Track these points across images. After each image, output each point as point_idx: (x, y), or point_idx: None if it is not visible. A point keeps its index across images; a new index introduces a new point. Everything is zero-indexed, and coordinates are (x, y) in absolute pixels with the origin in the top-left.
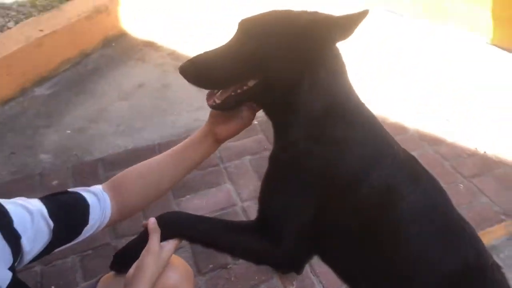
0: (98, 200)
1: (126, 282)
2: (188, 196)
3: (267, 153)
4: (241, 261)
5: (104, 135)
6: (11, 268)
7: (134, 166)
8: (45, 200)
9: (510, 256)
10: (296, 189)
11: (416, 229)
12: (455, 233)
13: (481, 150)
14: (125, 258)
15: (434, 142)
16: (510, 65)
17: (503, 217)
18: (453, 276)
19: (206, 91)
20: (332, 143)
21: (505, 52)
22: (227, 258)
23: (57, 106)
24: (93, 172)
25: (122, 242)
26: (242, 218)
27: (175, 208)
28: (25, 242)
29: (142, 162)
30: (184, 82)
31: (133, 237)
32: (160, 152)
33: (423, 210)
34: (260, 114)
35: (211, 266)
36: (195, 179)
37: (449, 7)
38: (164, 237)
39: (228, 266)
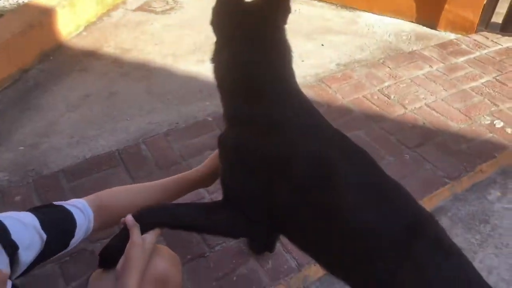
0: (83, 213)
1: (117, 275)
2: None
3: None
4: (217, 248)
5: (59, 147)
6: None
7: (123, 187)
8: (35, 212)
9: (455, 214)
10: (242, 169)
11: (356, 199)
12: (392, 197)
13: (420, 121)
14: (111, 255)
15: (379, 119)
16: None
17: (446, 180)
18: (398, 237)
19: (155, 94)
20: (267, 126)
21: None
22: (204, 248)
23: (4, 125)
24: (56, 184)
25: (98, 246)
26: None
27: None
28: (22, 253)
29: (131, 185)
30: (133, 88)
31: (107, 240)
32: (120, 158)
33: (359, 181)
34: (214, 110)
35: (189, 256)
36: (159, 178)
37: None
38: (144, 230)
39: (206, 255)
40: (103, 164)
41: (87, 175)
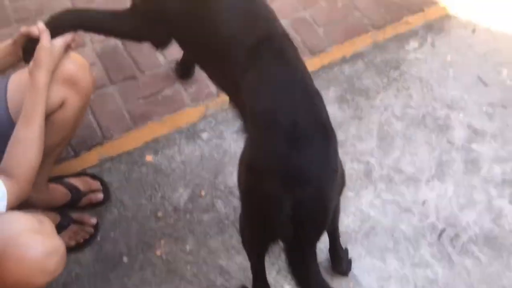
0: None
1: (29, 72)
2: None
3: None
4: (147, 72)
5: None
6: None
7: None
8: None
9: (372, 60)
10: None
11: (227, 16)
12: (255, 16)
13: None
14: (28, 52)
15: None
16: None
17: (370, 28)
18: (250, 47)
19: None
20: None
21: None
22: (135, 71)
23: None
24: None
25: None
26: None
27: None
28: None
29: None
30: None
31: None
32: None
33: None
34: None
35: (121, 77)
36: None
37: None
38: (55, 33)
39: (136, 76)
40: None
41: None
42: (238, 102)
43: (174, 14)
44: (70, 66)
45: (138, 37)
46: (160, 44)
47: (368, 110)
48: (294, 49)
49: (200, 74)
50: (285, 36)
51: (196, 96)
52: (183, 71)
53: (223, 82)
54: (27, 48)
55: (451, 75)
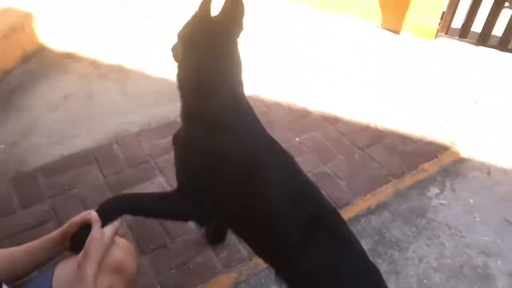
0: None
1: (78, 264)
2: (125, 191)
3: None
4: (178, 240)
5: (38, 146)
6: None
7: None
8: None
9: (396, 209)
10: (189, 160)
11: (274, 192)
12: (304, 193)
13: (373, 124)
14: (77, 242)
15: (334, 121)
16: (398, 44)
17: (390, 178)
18: (303, 225)
19: (130, 96)
20: (212, 124)
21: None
22: (166, 239)
23: None
24: (34, 181)
25: None
26: None
27: None
28: None
29: None
30: (108, 89)
31: None
32: (94, 157)
33: (279, 177)
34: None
35: (152, 247)
36: (129, 175)
37: None
38: (107, 220)
39: (167, 245)
40: (78, 162)
41: (63, 172)
42: (284, 272)
43: (221, 194)
44: (118, 253)
45: (186, 218)
46: (206, 221)
47: (403, 263)
48: (344, 223)
49: (231, 237)
50: (334, 212)
51: (228, 261)
52: (215, 237)
53: (268, 255)
54: (76, 238)
55: (478, 220)
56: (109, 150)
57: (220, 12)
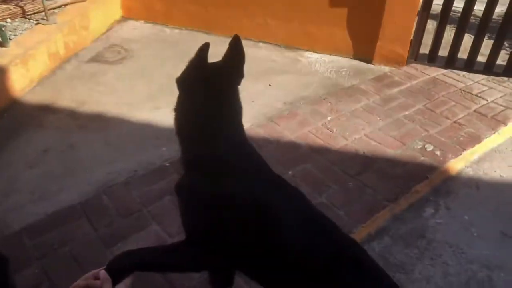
0: None
1: None
2: (119, 244)
3: None
4: None
5: (20, 205)
6: None
7: None
8: None
9: (396, 232)
10: (196, 209)
11: (293, 235)
12: (322, 231)
13: (360, 151)
14: None
15: (324, 151)
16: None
17: (385, 202)
18: (327, 262)
19: (112, 144)
20: (218, 170)
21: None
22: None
23: None
24: (19, 243)
25: None
26: None
27: (110, 257)
28: None
29: None
30: (90, 139)
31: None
32: (83, 211)
33: (295, 219)
34: (171, 155)
35: None
36: (121, 226)
37: (314, 32)
38: (117, 280)
39: None
40: (65, 218)
41: (49, 230)
42: None
43: (234, 243)
44: None
45: (198, 269)
46: (221, 270)
47: (411, 286)
48: (367, 255)
49: (237, 280)
50: (355, 243)
51: None
52: (223, 282)
53: None
54: None
55: (476, 235)
56: (97, 202)
57: (221, 59)
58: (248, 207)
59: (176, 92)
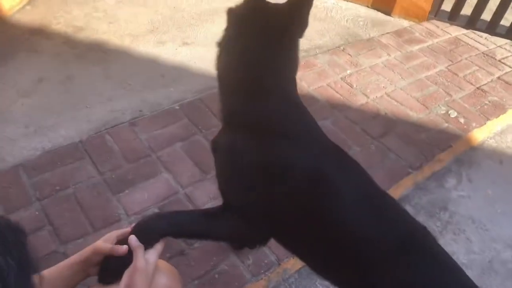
0: None
1: None
2: (126, 191)
3: (197, 137)
4: (196, 245)
5: (14, 138)
6: None
7: None
8: None
9: (418, 203)
10: (237, 173)
11: (353, 212)
12: (386, 210)
13: (382, 111)
14: (113, 273)
15: (343, 108)
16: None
17: (409, 170)
18: (392, 249)
19: (114, 79)
20: (268, 132)
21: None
22: (182, 244)
23: None
24: (16, 180)
25: (69, 248)
26: (188, 205)
27: (117, 204)
28: None
29: None
30: (90, 72)
31: (78, 241)
32: (85, 150)
33: (355, 195)
34: (180, 96)
35: (168, 255)
36: (129, 172)
37: None
38: (147, 244)
39: (185, 252)
40: (67, 156)
41: (50, 169)
42: None
43: (281, 213)
44: (163, 280)
45: (237, 239)
46: (261, 244)
47: None
48: (435, 242)
49: None
50: (424, 229)
51: (256, 268)
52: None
53: (342, 278)
54: (109, 266)
55: (499, 211)
56: (101, 143)
57: (285, 3)
58: (303, 176)
59: (183, 27)
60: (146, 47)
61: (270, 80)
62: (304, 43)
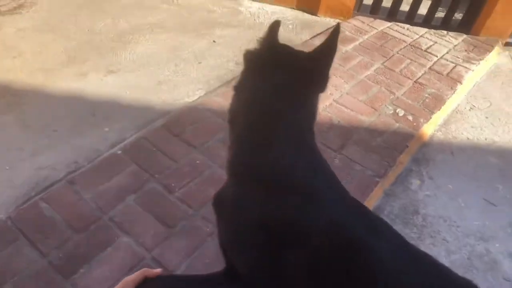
0: None
1: None
2: (82, 270)
3: (151, 185)
4: None
5: None
6: None
7: None
8: None
9: (391, 211)
10: (243, 232)
11: (395, 272)
12: (428, 267)
13: (335, 120)
14: None
15: None
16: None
17: (376, 179)
18: None
19: (33, 127)
20: (288, 187)
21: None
22: None
23: None
24: None
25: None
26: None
27: None
28: None
29: None
30: (0, 123)
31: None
32: (17, 229)
33: (391, 253)
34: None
35: None
36: (80, 245)
37: None
38: None
39: None
40: None
41: None
42: None
43: (300, 282)
44: None
45: None
46: None
47: None
48: None
49: None
50: (469, 283)
51: None
52: None
53: None
54: None
55: (463, 205)
56: (37, 214)
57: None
58: (323, 236)
59: (104, 53)
60: (65, 82)
61: (288, 129)
62: (239, 54)
